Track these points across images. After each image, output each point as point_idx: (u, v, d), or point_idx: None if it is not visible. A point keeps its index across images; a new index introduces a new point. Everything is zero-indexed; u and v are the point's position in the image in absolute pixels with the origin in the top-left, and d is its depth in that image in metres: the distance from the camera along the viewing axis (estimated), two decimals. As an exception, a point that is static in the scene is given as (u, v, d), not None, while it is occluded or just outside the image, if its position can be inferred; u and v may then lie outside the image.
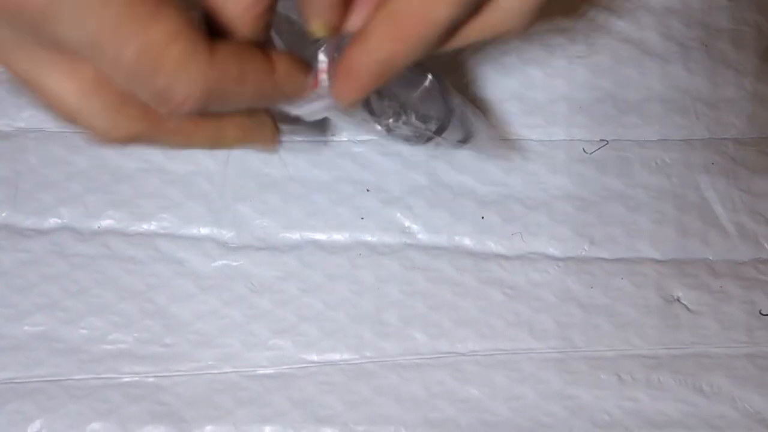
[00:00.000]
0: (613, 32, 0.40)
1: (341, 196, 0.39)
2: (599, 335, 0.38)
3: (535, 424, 0.36)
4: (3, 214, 0.38)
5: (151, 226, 0.38)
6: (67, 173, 0.39)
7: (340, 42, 0.27)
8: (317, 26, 0.26)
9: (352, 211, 0.39)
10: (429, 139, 0.36)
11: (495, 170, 0.39)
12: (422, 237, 0.39)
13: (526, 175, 0.39)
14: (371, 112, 0.33)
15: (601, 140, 0.40)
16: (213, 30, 0.25)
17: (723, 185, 0.40)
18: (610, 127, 0.40)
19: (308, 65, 0.28)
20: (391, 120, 0.33)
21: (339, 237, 0.39)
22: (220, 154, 0.39)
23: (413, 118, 0.33)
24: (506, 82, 0.40)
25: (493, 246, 0.39)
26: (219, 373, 0.36)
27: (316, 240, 0.38)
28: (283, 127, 0.31)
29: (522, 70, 0.40)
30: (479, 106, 0.40)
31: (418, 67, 0.33)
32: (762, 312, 0.38)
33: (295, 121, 0.31)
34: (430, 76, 0.33)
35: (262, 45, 0.26)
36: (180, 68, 0.23)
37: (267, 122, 0.30)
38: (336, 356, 0.37)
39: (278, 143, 0.31)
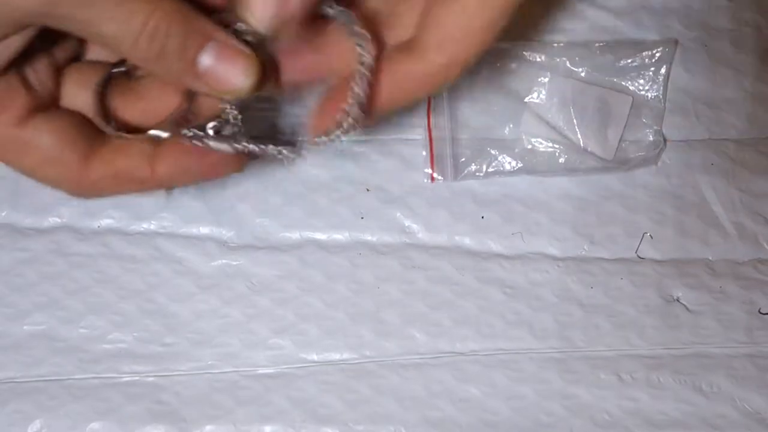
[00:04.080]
0: (613, 32, 0.40)
1: (341, 195, 0.39)
2: (599, 335, 0.38)
3: (535, 423, 0.36)
4: (3, 213, 0.38)
5: (150, 226, 0.38)
6: (67, 172, 0.39)
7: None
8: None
9: (352, 211, 0.39)
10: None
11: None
12: (422, 236, 0.39)
13: (526, 174, 0.39)
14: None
15: (601, 140, 0.40)
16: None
17: (723, 185, 0.40)
18: (610, 127, 0.40)
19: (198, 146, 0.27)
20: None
21: (339, 236, 0.39)
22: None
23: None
24: (507, 83, 0.40)
25: (493, 246, 0.39)
26: (219, 372, 0.36)
27: (316, 239, 0.38)
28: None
29: (523, 70, 0.40)
30: (481, 107, 0.40)
31: None
32: (762, 311, 0.38)
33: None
34: None
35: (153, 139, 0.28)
36: (55, 186, 0.28)
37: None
38: (336, 355, 0.37)
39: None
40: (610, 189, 0.39)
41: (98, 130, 0.28)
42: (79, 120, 0.28)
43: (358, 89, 0.26)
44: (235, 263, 0.38)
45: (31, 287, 0.37)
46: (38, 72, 0.27)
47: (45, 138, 0.27)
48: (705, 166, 0.40)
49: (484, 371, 0.37)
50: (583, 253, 0.39)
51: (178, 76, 0.25)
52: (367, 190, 0.39)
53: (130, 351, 0.37)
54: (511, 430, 0.36)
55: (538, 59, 0.39)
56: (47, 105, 0.27)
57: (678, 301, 0.38)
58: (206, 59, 0.25)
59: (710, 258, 0.39)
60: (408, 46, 0.27)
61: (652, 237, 0.39)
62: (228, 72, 0.25)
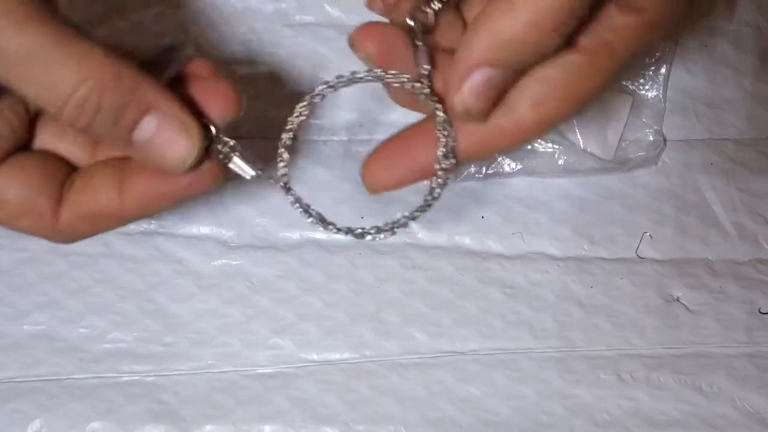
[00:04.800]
0: (613, 32, 0.40)
1: (341, 195, 0.39)
2: (599, 335, 0.38)
3: (536, 423, 0.36)
4: (3, 213, 0.38)
5: (150, 225, 0.38)
6: (67, 172, 0.39)
7: None
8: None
9: (352, 210, 0.39)
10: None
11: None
12: (422, 236, 0.39)
13: (525, 175, 0.39)
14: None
15: (601, 140, 0.40)
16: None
17: (722, 185, 0.40)
18: (610, 127, 0.40)
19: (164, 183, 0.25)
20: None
21: (339, 236, 0.38)
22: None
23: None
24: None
25: (493, 245, 0.39)
26: (219, 372, 0.36)
27: (316, 239, 0.38)
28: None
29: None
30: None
31: None
32: (762, 311, 0.38)
33: None
34: None
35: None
36: (32, 233, 0.26)
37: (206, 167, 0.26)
38: (336, 355, 0.37)
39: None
40: (610, 189, 0.39)
41: (66, 172, 0.26)
42: (50, 162, 0.26)
43: (446, 141, 0.25)
44: (235, 263, 0.38)
45: (31, 287, 0.37)
46: (5, 117, 0.25)
47: (14, 190, 0.24)
48: (705, 166, 0.40)
49: (484, 371, 0.37)
50: (583, 253, 0.39)
51: (110, 141, 0.24)
52: (367, 189, 0.39)
53: (130, 351, 0.37)
54: (511, 430, 0.36)
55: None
56: (15, 150, 0.25)
57: (678, 301, 0.38)
58: (144, 131, 0.23)
59: (710, 258, 0.39)
60: None
61: (652, 237, 0.39)
62: (166, 146, 0.23)
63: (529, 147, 0.39)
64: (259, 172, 0.26)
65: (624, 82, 0.40)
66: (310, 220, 0.28)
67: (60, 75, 0.21)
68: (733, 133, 0.40)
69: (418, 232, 0.39)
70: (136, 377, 0.36)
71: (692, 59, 0.40)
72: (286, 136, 0.26)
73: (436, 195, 0.27)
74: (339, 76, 0.25)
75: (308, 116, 0.26)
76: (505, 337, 0.37)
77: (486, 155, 0.26)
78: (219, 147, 0.25)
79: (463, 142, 0.25)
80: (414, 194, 0.39)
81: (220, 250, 0.38)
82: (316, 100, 0.26)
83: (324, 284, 0.38)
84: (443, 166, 0.26)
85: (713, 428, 0.36)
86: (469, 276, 0.38)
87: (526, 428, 0.36)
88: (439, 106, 0.25)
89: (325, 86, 0.26)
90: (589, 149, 0.39)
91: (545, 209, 0.39)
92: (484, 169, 0.39)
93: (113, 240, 0.38)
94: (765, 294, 0.38)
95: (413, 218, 0.28)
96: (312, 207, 0.28)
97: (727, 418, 0.36)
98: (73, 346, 0.36)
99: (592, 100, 0.25)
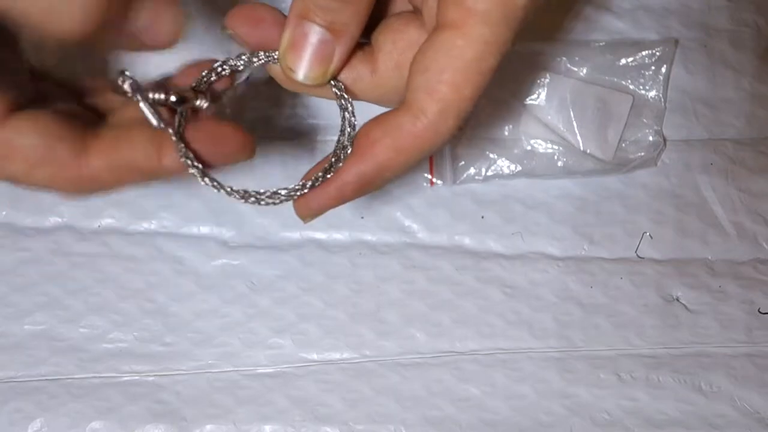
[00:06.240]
0: (613, 32, 0.40)
1: (341, 195, 0.39)
2: (599, 334, 0.38)
3: (535, 422, 0.36)
4: (3, 213, 0.38)
5: (151, 225, 0.38)
6: (68, 172, 0.39)
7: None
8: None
9: (352, 210, 0.39)
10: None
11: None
12: (422, 236, 0.39)
13: (524, 177, 0.40)
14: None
15: (601, 140, 0.40)
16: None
17: (722, 185, 0.40)
18: (609, 127, 0.40)
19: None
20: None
21: (339, 236, 0.39)
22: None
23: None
24: (507, 83, 0.40)
25: (493, 245, 0.39)
26: (219, 371, 0.36)
27: (316, 239, 0.38)
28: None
29: (523, 71, 0.40)
30: (481, 108, 0.40)
31: None
32: (761, 311, 0.38)
33: None
34: None
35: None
36: (49, 188, 0.24)
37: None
38: (336, 355, 0.37)
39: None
40: (609, 189, 0.40)
41: (90, 123, 0.25)
42: (68, 114, 0.25)
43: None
44: (235, 263, 0.38)
45: (31, 287, 0.37)
46: (15, 68, 0.24)
47: (29, 138, 0.23)
48: (704, 166, 0.40)
49: (484, 371, 0.37)
50: (583, 252, 0.39)
51: (110, 40, 0.22)
52: (367, 189, 0.39)
53: (130, 350, 0.37)
54: (511, 430, 0.36)
55: (538, 59, 0.39)
56: (29, 102, 0.24)
57: (677, 300, 0.38)
58: (143, 19, 0.22)
59: (710, 258, 0.39)
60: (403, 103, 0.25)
61: (651, 237, 0.39)
62: (160, 27, 0.23)
63: (529, 148, 0.39)
64: (161, 124, 0.25)
65: (624, 82, 0.40)
66: (205, 182, 0.26)
67: None
68: (733, 133, 0.40)
69: (418, 232, 0.39)
70: (137, 377, 0.36)
71: (692, 59, 0.40)
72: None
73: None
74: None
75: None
76: (505, 337, 0.37)
77: (404, 166, 0.27)
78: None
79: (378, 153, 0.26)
80: (414, 196, 0.39)
81: (220, 250, 0.38)
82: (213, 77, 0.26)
83: (324, 284, 0.38)
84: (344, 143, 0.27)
85: (713, 427, 0.36)
86: (469, 276, 0.38)
87: (526, 427, 0.36)
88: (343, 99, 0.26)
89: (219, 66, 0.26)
90: (588, 150, 0.39)
91: (545, 209, 0.39)
92: (483, 171, 0.39)
93: (113, 240, 0.38)
94: (764, 294, 0.38)
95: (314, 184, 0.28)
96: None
97: (727, 418, 0.36)
98: (73, 345, 0.37)
99: (488, 71, 0.24)
